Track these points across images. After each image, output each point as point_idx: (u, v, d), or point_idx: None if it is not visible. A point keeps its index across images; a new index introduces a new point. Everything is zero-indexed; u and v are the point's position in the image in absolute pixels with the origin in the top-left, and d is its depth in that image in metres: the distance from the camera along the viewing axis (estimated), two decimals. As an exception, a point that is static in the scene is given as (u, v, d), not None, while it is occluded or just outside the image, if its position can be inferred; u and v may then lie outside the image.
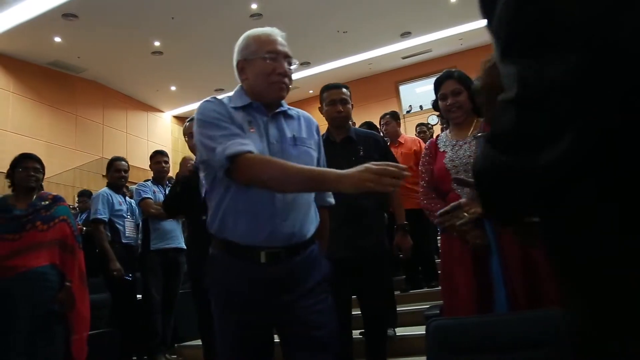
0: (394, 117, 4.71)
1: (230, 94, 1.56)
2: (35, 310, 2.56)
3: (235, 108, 1.48)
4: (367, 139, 2.70)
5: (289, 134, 1.52)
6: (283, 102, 1.57)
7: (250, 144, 1.37)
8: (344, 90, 2.63)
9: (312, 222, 1.52)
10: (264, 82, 1.49)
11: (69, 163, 9.26)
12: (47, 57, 8.89)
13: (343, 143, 2.63)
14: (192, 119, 2.98)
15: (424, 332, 1.67)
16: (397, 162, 2.90)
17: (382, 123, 4.77)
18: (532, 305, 1.80)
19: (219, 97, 1.53)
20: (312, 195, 1.55)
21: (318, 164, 1.59)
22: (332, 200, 1.72)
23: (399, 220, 2.73)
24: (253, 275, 1.42)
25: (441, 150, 2.18)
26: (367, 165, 1.20)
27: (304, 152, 1.52)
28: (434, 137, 2.46)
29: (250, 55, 1.52)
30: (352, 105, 2.66)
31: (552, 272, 0.70)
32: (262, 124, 1.49)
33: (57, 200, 2.88)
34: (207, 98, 1.52)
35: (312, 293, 1.46)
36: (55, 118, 9.38)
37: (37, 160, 2.88)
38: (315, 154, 1.57)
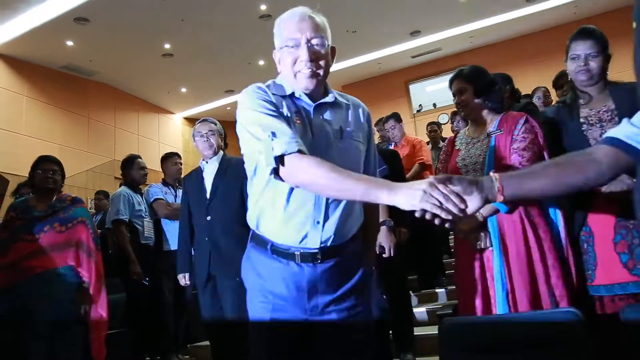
0: (398, 119, 4.69)
1: (263, 84, 1.43)
2: (53, 311, 2.59)
3: (281, 96, 1.38)
4: None
5: (335, 126, 1.39)
6: (330, 89, 1.45)
7: (300, 142, 1.25)
8: None
9: (354, 222, 1.42)
10: (291, 73, 1.38)
11: (81, 165, 9.35)
12: (60, 60, 8.99)
13: None
14: (202, 121, 3.01)
15: (437, 332, 1.66)
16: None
17: (389, 127, 4.69)
18: (534, 306, 1.79)
19: (262, 84, 1.41)
20: None
21: (367, 157, 1.48)
22: None
23: (382, 217, 2.58)
24: (288, 275, 1.35)
25: (457, 148, 2.17)
26: (430, 181, 1.07)
27: (350, 146, 1.40)
28: (444, 135, 2.45)
29: (278, 45, 1.41)
30: None
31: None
32: (306, 114, 1.38)
33: (75, 202, 2.92)
34: (251, 85, 1.40)
35: (350, 294, 1.38)
36: (67, 121, 9.48)
37: (56, 162, 2.90)
38: (363, 147, 1.45)
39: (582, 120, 1.98)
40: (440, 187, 1.05)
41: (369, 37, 9.58)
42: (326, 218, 1.34)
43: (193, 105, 12.18)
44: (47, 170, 2.83)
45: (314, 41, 1.35)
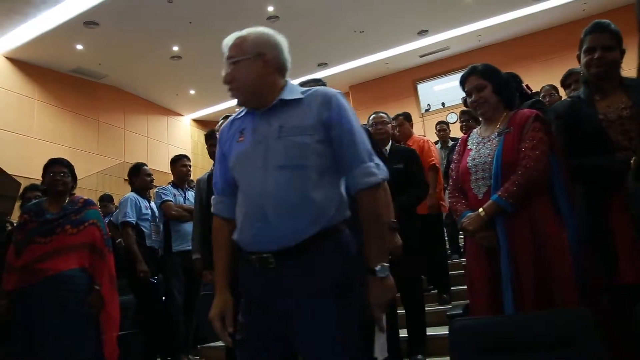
0: (407, 118, 4.67)
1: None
2: (64, 313, 2.61)
3: (241, 118, 1.50)
4: None
5: (275, 126, 1.36)
6: (286, 90, 1.41)
7: (218, 205, 1.52)
8: None
9: (313, 221, 1.29)
10: None
11: (91, 167, 9.43)
12: (70, 64, 9.08)
13: None
14: (224, 118, 2.99)
15: (447, 332, 1.66)
16: None
17: (395, 125, 4.67)
18: (541, 306, 1.77)
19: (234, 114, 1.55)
20: (312, 189, 1.30)
21: (338, 144, 1.35)
22: (371, 179, 1.34)
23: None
24: (252, 278, 1.36)
25: (468, 147, 2.13)
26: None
27: (290, 143, 1.33)
28: (453, 135, 2.42)
29: None
30: None
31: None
32: (252, 124, 1.42)
33: (87, 204, 2.94)
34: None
35: (311, 301, 1.28)
36: (78, 124, 9.57)
37: (66, 164, 2.92)
38: (311, 139, 1.33)
39: (601, 116, 1.93)
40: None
41: (376, 37, 9.57)
42: (266, 219, 1.29)
43: (202, 107, 12.24)
44: (56, 172, 2.86)
45: (230, 60, 1.43)
